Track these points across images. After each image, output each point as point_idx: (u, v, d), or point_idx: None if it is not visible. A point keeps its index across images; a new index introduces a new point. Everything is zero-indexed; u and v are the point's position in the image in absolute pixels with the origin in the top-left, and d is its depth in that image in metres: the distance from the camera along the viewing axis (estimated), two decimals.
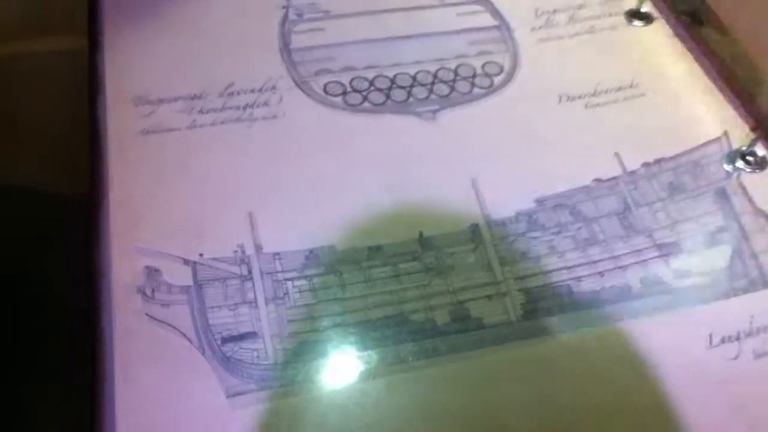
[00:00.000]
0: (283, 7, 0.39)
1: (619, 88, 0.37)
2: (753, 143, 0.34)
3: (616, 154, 0.34)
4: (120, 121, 0.33)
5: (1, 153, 0.39)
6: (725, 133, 0.35)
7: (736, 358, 0.28)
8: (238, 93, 0.35)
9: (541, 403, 0.27)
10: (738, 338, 0.28)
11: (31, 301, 0.32)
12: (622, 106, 0.36)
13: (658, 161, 0.34)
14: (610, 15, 0.40)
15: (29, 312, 0.32)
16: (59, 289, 0.32)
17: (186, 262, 0.29)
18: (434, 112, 0.35)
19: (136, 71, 0.35)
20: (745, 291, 0.30)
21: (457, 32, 0.38)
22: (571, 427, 0.26)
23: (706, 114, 0.36)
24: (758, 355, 0.28)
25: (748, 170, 0.33)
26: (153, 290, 0.28)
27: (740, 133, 0.35)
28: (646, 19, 0.40)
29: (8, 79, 0.44)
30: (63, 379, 0.31)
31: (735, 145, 0.34)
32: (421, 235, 0.31)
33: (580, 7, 0.41)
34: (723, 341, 0.28)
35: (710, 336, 0.28)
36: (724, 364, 0.28)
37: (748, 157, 0.34)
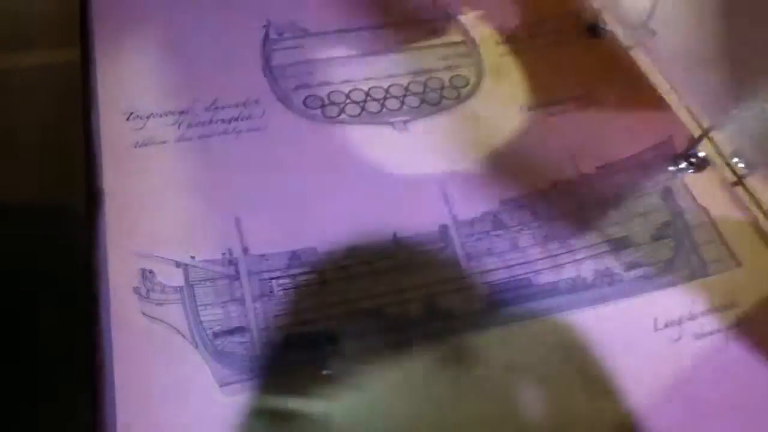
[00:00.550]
0: (264, 27, 0.41)
1: (576, 97, 0.40)
2: (693, 145, 0.37)
3: (572, 158, 0.37)
4: (113, 134, 0.35)
5: None
6: (670, 137, 0.38)
7: (678, 339, 0.31)
8: (224, 107, 0.37)
9: (506, 383, 0.30)
10: (680, 322, 0.31)
11: (32, 303, 0.34)
12: (578, 114, 0.39)
13: (610, 164, 0.37)
14: (567, 30, 0.44)
15: (31, 314, 0.34)
16: (60, 291, 0.34)
17: (178, 264, 0.31)
18: (405, 122, 0.38)
19: (126, 87, 0.37)
20: (688, 280, 0.33)
21: (427, 48, 0.41)
22: (536, 395, 0.29)
23: (653, 121, 0.39)
24: (697, 337, 0.31)
25: (691, 171, 0.36)
26: (148, 290, 0.31)
27: (684, 137, 0.38)
28: (599, 33, 0.44)
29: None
30: (64, 377, 0.33)
31: (679, 149, 0.37)
32: (395, 235, 0.33)
33: (540, 23, 0.44)
34: (666, 325, 0.31)
35: (655, 320, 0.31)
36: (668, 344, 0.31)
37: (690, 159, 0.37)
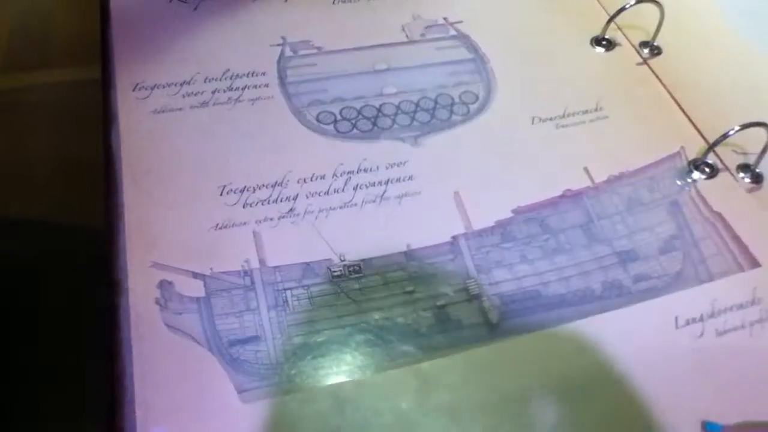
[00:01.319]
0: (280, 45, 0.43)
1: (586, 111, 0.41)
2: (703, 156, 0.37)
3: (585, 169, 0.38)
4: (132, 151, 0.37)
5: (13, 182, 0.42)
6: (682, 148, 0.39)
7: (700, 336, 0.32)
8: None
9: (520, 389, 0.30)
10: (701, 320, 0.32)
11: (55, 314, 0.35)
12: (589, 126, 0.40)
13: (621, 175, 0.37)
14: (576, 43, 0.45)
15: (53, 323, 0.35)
16: (81, 302, 0.35)
17: (196, 275, 0.33)
18: (416, 137, 0.38)
19: (147, 106, 0.39)
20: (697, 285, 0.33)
21: (437, 65, 0.42)
22: (558, 400, 0.30)
23: (664, 132, 0.40)
24: (720, 333, 0.31)
25: (700, 180, 0.37)
26: (167, 301, 0.32)
27: (696, 147, 0.38)
28: (609, 45, 0.44)
29: (15, 111, 0.47)
30: (82, 383, 0.34)
31: (690, 158, 0.38)
32: (407, 246, 0.34)
33: (548, 35, 0.45)
34: (688, 323, 0.32)
35: (676, 318, 0.32)
36: (690, 341, 0.31)
37: (702, 167, 0.37)
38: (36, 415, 0.33)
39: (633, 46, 0.44)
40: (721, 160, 0.38)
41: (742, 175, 0.37)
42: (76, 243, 0.38)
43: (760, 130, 0.36)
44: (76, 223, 0.40)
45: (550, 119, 0.40)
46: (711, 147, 0.37)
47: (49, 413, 0.33)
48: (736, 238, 0.35)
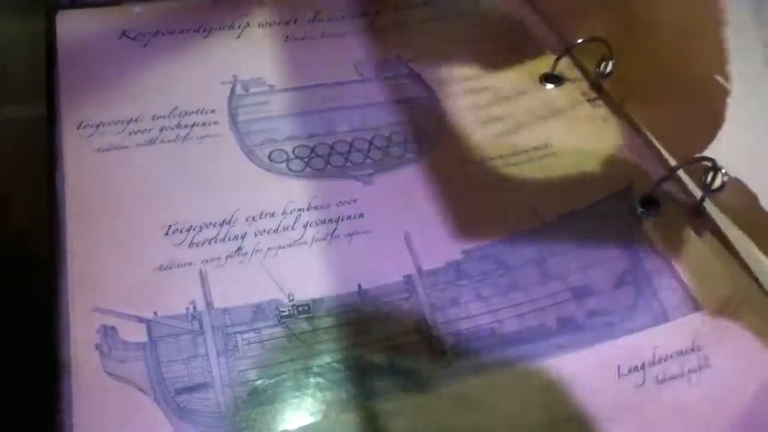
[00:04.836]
0: (230, 83, 0.42)
1: (536, 147, 0.41)
2: (655, 187, 0.38)
3: (534, 209, 0.38)
4: (76, 190, 0.36)
5: None
6: (630, 184, 0.39)
7: (641, 384, 0.31)
8: None
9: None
10: (643, 368, 0.32)
11: None
12: (538, 164, 0.40)
13: (571, 213, 0.38)
14: (525, 81, 0.45)
15: None
16: (20, 349, 0.33)
17: (141, 320, 0.31)
18: (370, 175, 0.38)
19: (93, 146, 0.38)
20: (649, 326, 0.33)
21: (390, 102, 0.42)
22: None
23: (614, 168, 0.40)
24: (660, 381, 0.31)
25: (650, 215, 0.38)
26: (110, 348, 0.30)
27: (644, 183, 0.39)
28: (558, 81, 0.45)
29: None
30: None
31: (639, 194, 0.38)
32: (359, 287, 0.33)
33: (498, 74, 0.45)
34: (630, 371, 0.32)
35: (618, 367, 0.32)
36: (632, 390, 0.31)
37: (649, 205, 0.38)
38: None
39: (584, 79, 0.45)
40: (669, 195, 0.39)
41: (689, 210, 0.38)
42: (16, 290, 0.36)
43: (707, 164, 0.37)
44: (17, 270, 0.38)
45: (500, 157, 0.40)
46: (658, 182, 0.38)
47: None
48: (687, 271, 0.35)
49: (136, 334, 0.31)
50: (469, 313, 0.33)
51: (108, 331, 0.31)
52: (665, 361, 0.32)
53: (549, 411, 0.30)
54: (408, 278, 0.34)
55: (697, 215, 0.38)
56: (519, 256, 0.35)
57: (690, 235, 0.37)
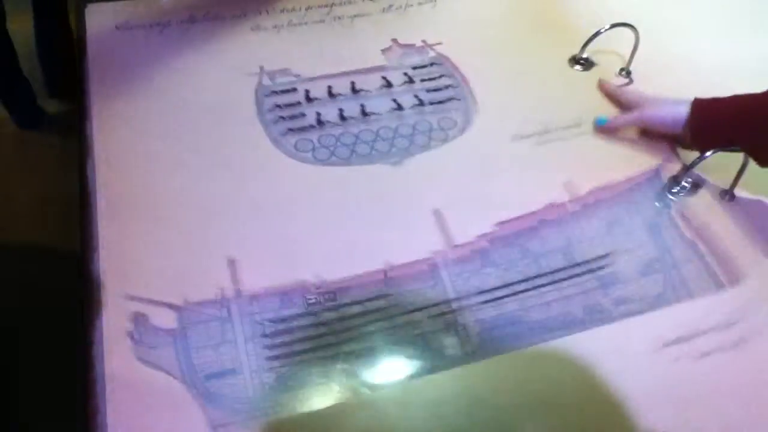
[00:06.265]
0: (257, 74, 0.42)
1: (567, 127, 0.41)
2: (683, 172, 0.37)
3: (564, 185, 0.37)
4: (108, 182, 0.36)
5: None
6: (661, 166, 0.39)
7: (677, 360, 0.31)
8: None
9: (501, 406, 0.30)
10: (677, 342, 0.32)
11: (30, 349, 0.34)
12: (571, 143, 0.40)
13: (600, 189, 0.37)
14: (555, 62, 0.45)
15: (28, 360, 0.34)
16: (55, 335, 0.34)
17: (171, 306, 0.32)
18: (394, 163, 0.38)
19: (123, 138, 0.38)
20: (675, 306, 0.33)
21: (417, 90, 0.42)
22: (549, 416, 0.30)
23: (645, 149, 0.40)
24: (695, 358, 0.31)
25: (680, 197, 0.37)
26: (141, 334, 0.31)
27: (675, 165, 0.38)
28: (587, 65, 0.45)
29: None
30: (57, 421, 0.33)
31: (667, 176, 0.38)
32: (385, 274, 0.34)
33: (527, 54, 0.45)
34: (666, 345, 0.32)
35: (653, 342, 0.32)
36: (667, 366, 0.31)
37: (681, 185, 0.37)
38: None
39: (615, 63, 0.44)
40: (698, 179, 0.38)
41: (719, 192, 0.37)
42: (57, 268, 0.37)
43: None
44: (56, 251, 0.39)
45: (531, 136, 0.40)
46: (688, 168, 0.37)
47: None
48: (716, 255, 0.35)
49: (167, 320, 0.31)
50: (495, 301, 0.33)
51: (139, 319, 0.31)
52: (702, 336, 0.32)
53: (579, 391, 0.30)
54: (434, 266, 0.34)
55: (727, 199, 0.37)
56: (545, 244, 0.35)
57: (719, 218, 0.36)
